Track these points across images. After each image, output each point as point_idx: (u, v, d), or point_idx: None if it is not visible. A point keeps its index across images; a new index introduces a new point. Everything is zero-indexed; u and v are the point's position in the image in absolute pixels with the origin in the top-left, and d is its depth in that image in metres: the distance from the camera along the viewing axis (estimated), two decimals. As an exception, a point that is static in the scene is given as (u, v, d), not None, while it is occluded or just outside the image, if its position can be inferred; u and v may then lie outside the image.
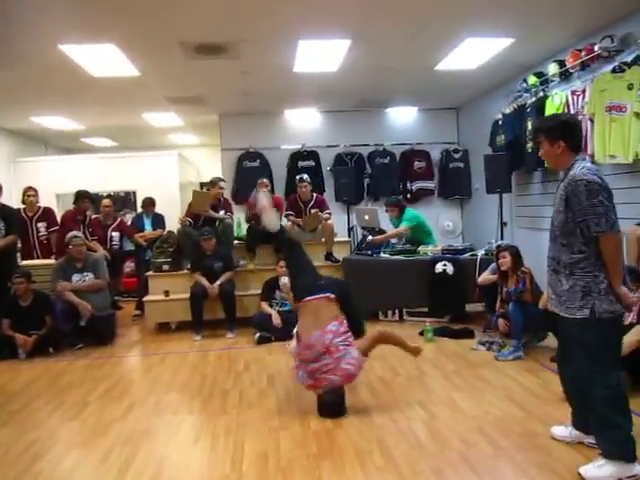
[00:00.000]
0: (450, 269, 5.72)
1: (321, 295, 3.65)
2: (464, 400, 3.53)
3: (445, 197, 8.55)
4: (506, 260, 4.72)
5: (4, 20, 4.32)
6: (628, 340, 3.12)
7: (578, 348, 2.57)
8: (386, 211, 6.59)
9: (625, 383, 2.57)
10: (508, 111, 6.39)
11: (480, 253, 5.80)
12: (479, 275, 5.32)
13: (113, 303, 6.22)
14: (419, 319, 5.78)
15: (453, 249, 6.05)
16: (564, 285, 2.55)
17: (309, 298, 3.65)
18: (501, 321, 4.78)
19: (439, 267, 5.77)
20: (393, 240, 6.61)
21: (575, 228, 2.50)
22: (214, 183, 6.45)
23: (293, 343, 3.73)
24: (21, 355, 5.06)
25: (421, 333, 5.22)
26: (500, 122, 6.56)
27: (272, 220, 4.64)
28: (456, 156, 8.43)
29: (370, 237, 6.29)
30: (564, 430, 2.87)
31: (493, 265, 5.12)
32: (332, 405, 3.35)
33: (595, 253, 2.46)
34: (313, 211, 6.41)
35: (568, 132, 2.61)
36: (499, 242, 5.77)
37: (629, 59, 4.54)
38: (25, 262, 6.08)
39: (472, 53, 5.67)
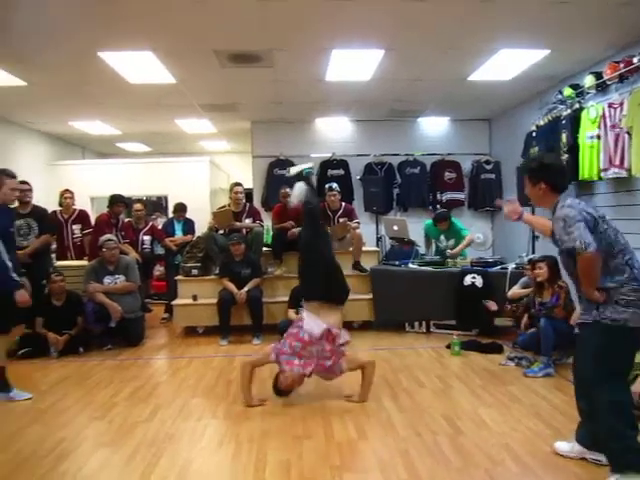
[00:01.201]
0: (479, 282, 5.64)
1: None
2: (491, 416, 3.47)
3: (475, 209, 8.45)
4: (542, 271, 4.62)
5: (46, 27, 4.46)
6: None
7: (582, 350, 2.71)
8: (434, 225, 6.53)
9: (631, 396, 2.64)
10: (542, 123, 6.29)
11: (511, 266, 5.71)
12: (509, 289, 5.23)
13: (143, 305, 6.31)
14: (446, 332, 5.71)
15: (483, 262, 5.97)
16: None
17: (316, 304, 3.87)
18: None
19: (468, 279, 5.70)
20: (422, 251, 6.59)
21: (568, 258, 2.65)
22: (230, 188, 6.50)
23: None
24: (53, 353, 5.17)
25: (448, 346, 5.15)
26: (534, 134, 6.46)
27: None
28: (488, 167, 8.34)
29: (449, 251, 6.30)
30: (567, 445, 2.88)
31: (524, 279, 5.04)
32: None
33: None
34: (342, 220, 6.40)
35: (549, 174, 2.72)
36: (531, 256, 5.66)
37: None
38: (59, 263, 6.22)
39: (506, 64, 5.62)
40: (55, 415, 3.68)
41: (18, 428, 3.42)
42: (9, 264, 3.79)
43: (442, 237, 6.55)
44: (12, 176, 4.06)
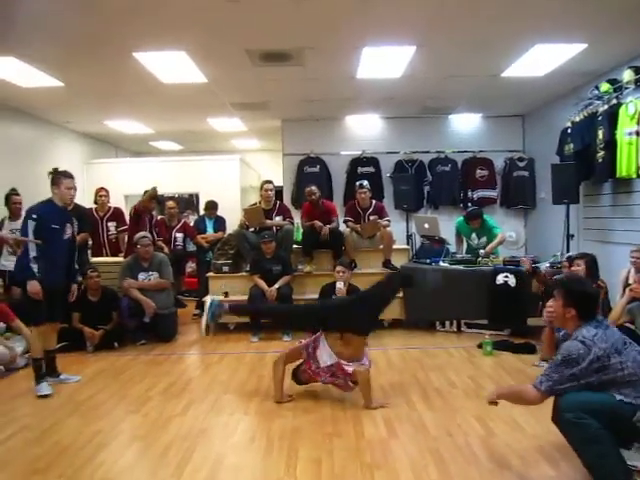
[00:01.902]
0: (512, 281, 5.55)
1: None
2: (524, 418, 3.41)
3: (508, 207, 8.32)
4: (580, 268, 4.52)
5: (83, 30, 4.57)
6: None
7: None
8: (467, 223, 6.45)
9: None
10: (578, 119, 6.16)
11: (544, 265, 5.60)
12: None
13: (177, 301, 6.40)
14: (478, 331, 5.65)
15: (516, 260, 5.87)
16: None
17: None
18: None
19: (500, 278, 5.62)
20: (452, 249, 6.53)
21: None
22: (261, 186, 6.53)
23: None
24: (89, 348, 5.31)
25: (479, 346, 5.09)
26: (569, 130, 6.33)
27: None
28: (521, 165, 8.20)
29: (482, 251, 6.18)
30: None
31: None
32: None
33: None
34: (372, 218, 6.38)
35: (584, 303, 2.61)
36: (567, 254, 5.54)
37: None
38: (95, 259, 6.37)
39: (541, 59, 5.51)
40: (92, 408, 3.77)
41: (56, 420, 3.53)
42: (32, 254, 3.95)
43: (474, 235, 6.46)
44: (69, 176, 4.26)
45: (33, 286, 3.94)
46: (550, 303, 2.83)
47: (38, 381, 4.08)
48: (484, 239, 6.36)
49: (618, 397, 2.43)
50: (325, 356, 3.72)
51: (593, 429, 2.37)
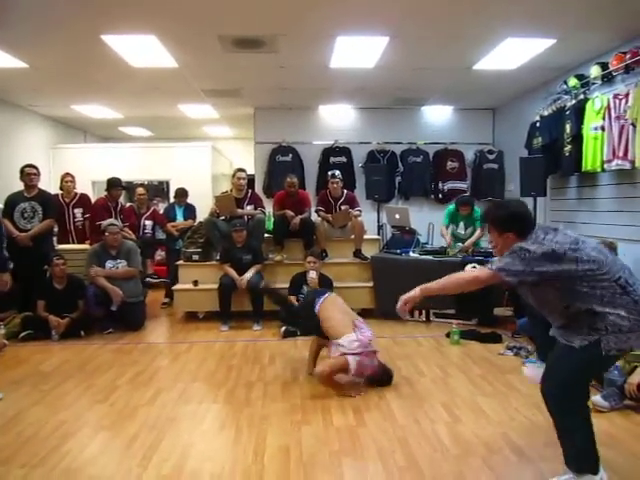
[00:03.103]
0: (480, 271, 5.63)
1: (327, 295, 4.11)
2: (489, 405, 3.50)
3: (478, 198, 8.37)
4: None
5: (48, 9, 4.43)
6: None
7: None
8: (457, 210, 6.43)
9: None
10: (546, 113, 6.28)
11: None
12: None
13: (144, 284, 6.27)
14: (446, 321, 5.73)
15: (483, 251, 5.97)
16: None
17: (321, 300, 3.98)
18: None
19: (468, 269, 5.69)
20: (423, 240, 6.60)
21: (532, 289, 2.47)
22: (233, 174, 6.46)
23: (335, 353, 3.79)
24: (54, 337, 5.20)
25: (447, 335, 5.17)
26: (538, 124, 6.44)
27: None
28: (491, 157, 8.32)
29: (459, 244, 6.24)
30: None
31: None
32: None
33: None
34: (343, 207, 6.39)
35: (518, 223, 2.47)
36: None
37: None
38: (61, 246, 6.22)
39: (512, 53, 5.59)
40: (57, 397, 3.70)
41: (20, 410, 3.45)
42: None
43: (462, 224, 6.46)
44: None
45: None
46: (489, 239, 2.67)
47: None
48: (470, 230, 6.41)
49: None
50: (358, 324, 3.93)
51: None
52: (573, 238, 2.38)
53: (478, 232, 6.31)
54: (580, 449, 2.39)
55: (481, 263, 5.65)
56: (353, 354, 3.65)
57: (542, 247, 2.33)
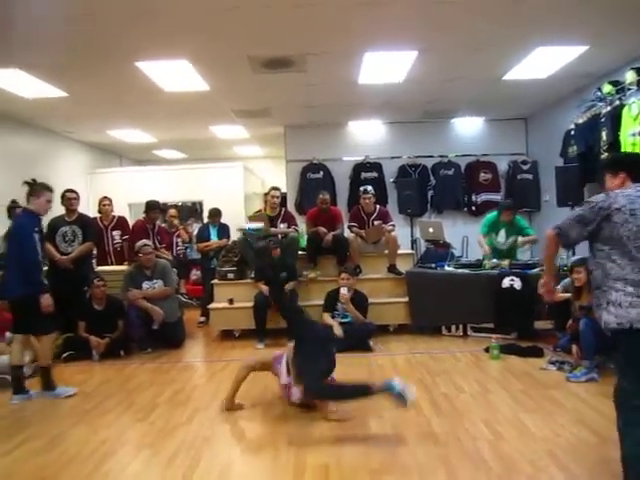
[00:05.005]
0: (518, 284, 5.52)
1: None
2: (533, 421, 3.39)
3: (512, 210, 8.30)
4: (581, 276, 4.49)
5: (86, 40, 4.60)
6: None
7: None
8: (499, 216, 6.13)
9: None
10: (581, 121, 6.16)
11: (550, 269, 5.54)
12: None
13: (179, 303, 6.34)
14: (484, 335, 5.61)
15: (522, 264, 5.84)
16: None
17: None
18: (575, 348, 4.51)
19: (506, 282, 5.58)
20: (457, 253, 6.50)
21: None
22: (267, 192, 6.52)
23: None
24: (94, 357, 5.30)
25: (486, 350, 5.06)
26: (572, 132, 6.33)
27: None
28: (525, 167, 8.19)
29: (495, 260, 5.91)
30: None
31: (565, 281, 4.91)
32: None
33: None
34: (376, 223, 6.37)
35: (630, 165, 2.65)
36: (573, 258, 5.51)
37: None
38: (100, 268, 6.37)
39: (543, 62, 5.54)
40: (98, 416, 3.76)
41: (62, 429, 3.51)
42: (44, 268, 4.04)
43: (502, 232, 6.17)
44: (50, 190, 4.28)
45: (48, 300, 4.06)
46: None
47: (52, 387, 4.20)
48: (512, 239, 6.14)
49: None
50: (283, 376, 3.72)
51: None
52: None
53: (534, 236, 6.12)
54: None
55: (518, 276, 5.55)
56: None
57: (604, 202, 2.47)
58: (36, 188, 4.21)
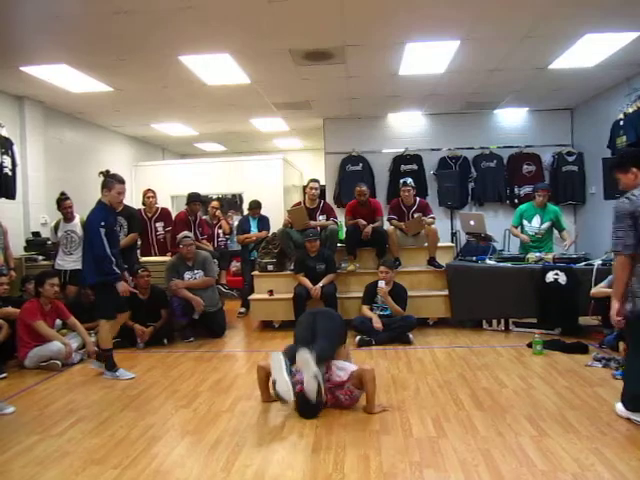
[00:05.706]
0: (563, 279, 5.39)
1: None
2: (577, 419, 3.32)
3: (557, 202, 8.06)
4: None
5: (130, 35, 4.70)
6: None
7: None
8: (533, 197, 6.20)
9: None
10: (631, 110, 5.95)
11: (597, 263, 5.42)
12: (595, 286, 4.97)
13: (219, 292, 6.44)
14: (527, 330, 5.52)
15: (566, 258, 5.70)
16: None
17: None
18: (622, 345, 4.38)
19: (550, 276, 5.47)
20: (499, 247, 6.40)
21: None
22: (306, 184, 6.53)
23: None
24: (139, 345, 5.46)
25: (529, 345, 4.97)
26: (621, 122, 6.12)
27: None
28: (570, 159, 7.97)
29: (566, 242, 6.00)
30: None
31: (611, 277, 4.76)
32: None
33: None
34: (416, 215, 6.32)
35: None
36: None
37: None
38: (144, 259, 6.54)
39: (591, 50, 5.37)
40: (144, 402, 3.88)
41: (111, 413, 3.64)
42: (113, 258, 4.27)
43: (536, 218, 6.14)
44: (121, 181, 4.45)
45: (123, 286, 4.36)
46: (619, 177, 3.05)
47: (114, 369, 4.46)
48: (546, 225, 6.11)
49: None
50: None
51: None
52: None
53: (573, 237, 6.10)
54: None
55: (563, 270, 5.43)
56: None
57: (630, 207, 2.84)
58: (108, 180, 4.39)
